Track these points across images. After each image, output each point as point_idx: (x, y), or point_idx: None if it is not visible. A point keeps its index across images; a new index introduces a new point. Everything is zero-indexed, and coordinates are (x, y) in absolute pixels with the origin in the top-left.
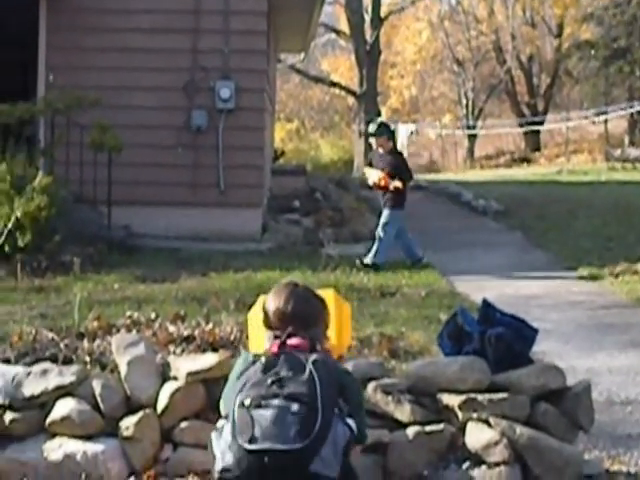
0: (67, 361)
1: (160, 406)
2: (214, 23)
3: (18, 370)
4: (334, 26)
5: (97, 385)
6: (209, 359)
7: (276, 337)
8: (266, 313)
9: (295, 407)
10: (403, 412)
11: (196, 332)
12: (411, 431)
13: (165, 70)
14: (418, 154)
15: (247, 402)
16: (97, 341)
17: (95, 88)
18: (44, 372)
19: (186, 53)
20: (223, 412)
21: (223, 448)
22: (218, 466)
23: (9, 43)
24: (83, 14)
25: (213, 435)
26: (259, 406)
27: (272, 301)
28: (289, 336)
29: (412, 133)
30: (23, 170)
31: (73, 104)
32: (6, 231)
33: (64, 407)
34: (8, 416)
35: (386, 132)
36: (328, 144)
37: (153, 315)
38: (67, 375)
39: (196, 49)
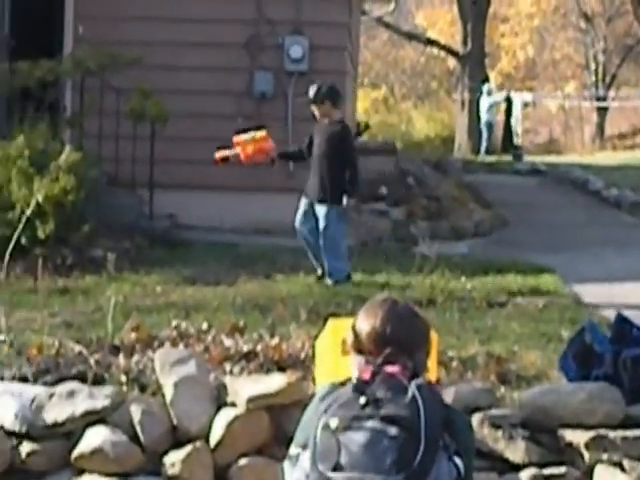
0: (98, 380)
1: (214, 438)
2: None
3: (38, 391)
4: None
5: (136, 411)
6: (275, 381)
7: (368, 363)
8: (357, 335)
9: (393, 431)
10: (516, 451)
11: (258, 347)
12: (526, 474)
13: (223, 22)
14: (535, 131)
15: (333, 424)
16: (135, 357)
17: (135, 43)
18: (70, 394)
19: (249, 1)
20: (297, 442)
21: (298, 477)
22: None
23: None
24: None
25: (286, 464)
26: (348, 428)
27: (366, 320)
28: (386, 362)
29: (527, 104)
30: (45, 144)
31: (107, 63)
32: (24, 219)
33: (95, 437)
34: (26, 447)
35: (330, 97)
36: (423, 117)
37: (205, 325)
38: (99, 398)
39: None
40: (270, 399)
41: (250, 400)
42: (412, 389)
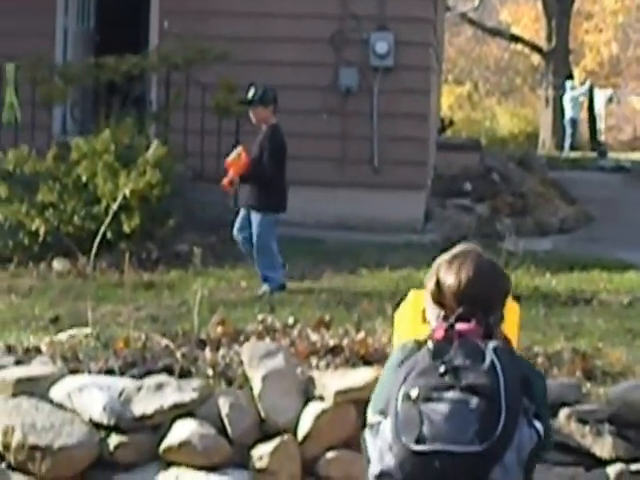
0: (185, 374)
1: (302, 432)
2: None
3: (126, 384)
4: None
5: (224, 404)
6: (363, 375)
7: (445, 318)
8: (439, 286)
9: (474, 402)
10: (603, 446)
11: (344, 342)
12: (613, 470)
13: (308, 17)
14: (619, 127)
15: (414, 394)
16: (222, 350)
17: (220, 38)
18: (159, 387)
19: None
20: (376, 409)
21: (381, 448)
22: (375, 469)
23: None
24: None
25: (367, 434)
26: (429, 399)
27: (449, 273)
28: (461, 318)
29: (611, 100)
30: (131, 138)
31: (193, 58)
32: (111, 213)
33: (183, 430)
34: (114, 439)
35: (266, 100)
36: (507, 113)
37: (291, 320)
38: (187, 391)
39: None
40: (357, 393)
41: (338, 394)
42: (490, 354)
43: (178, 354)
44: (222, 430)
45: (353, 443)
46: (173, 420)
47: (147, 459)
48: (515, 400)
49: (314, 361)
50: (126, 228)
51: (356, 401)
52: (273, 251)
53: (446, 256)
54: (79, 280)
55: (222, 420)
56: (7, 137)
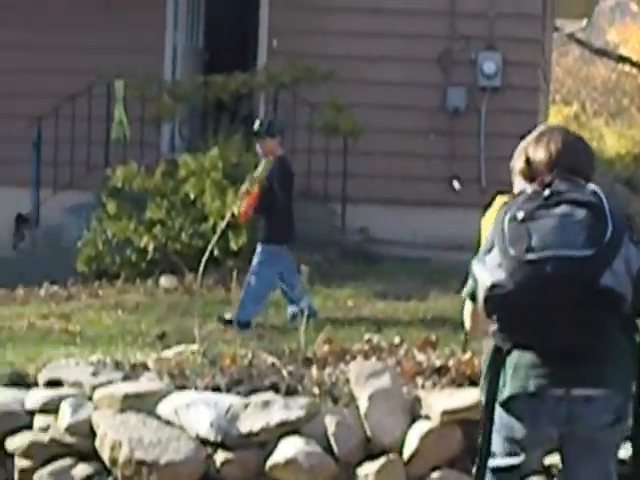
0: (291, 392)
1: (407, 451)
2: None
3: (233, 401)
4: None
5: (331, 422)
6: (469, 396)
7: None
8: (529, 163)
9: (581, 213)
10: None
11: (450, 362)
12: None
13: (416, 37)
14: None
15: (520, 215)
16: (328, 369)
17: (328, 58)
18: (266, 404)
19: (442, 17)
20: (486, 248)
21: (491, 267)
22: (486, 282)
23: (224, 2)
24: None
25: (474, 263)
26: (535, 218)
27: (539, 149)
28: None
29: None
30: (238, 156)
31: (302, 77)
32: (219, 231)
33: (289, 448)
34: (220, 456)
35: (272, 132)
36: (614, 134)
37: (397, 340)
38: (294, 409)
39: (454, 12)
40: (464, 413)
41: (444, 413)
42: (590, 187)
43: (284, 372)
44: (328, 448)
45: (458, 464)
46: (279, 438)
47: (253, 476)
48: (619, 218)
49: (420, 381)
50: (233, 245)
51: (462, 421)
52: (265, 284)
53: (531, 136)
54: (186, 297)
55: (328, 438)
56: (116, 154)
